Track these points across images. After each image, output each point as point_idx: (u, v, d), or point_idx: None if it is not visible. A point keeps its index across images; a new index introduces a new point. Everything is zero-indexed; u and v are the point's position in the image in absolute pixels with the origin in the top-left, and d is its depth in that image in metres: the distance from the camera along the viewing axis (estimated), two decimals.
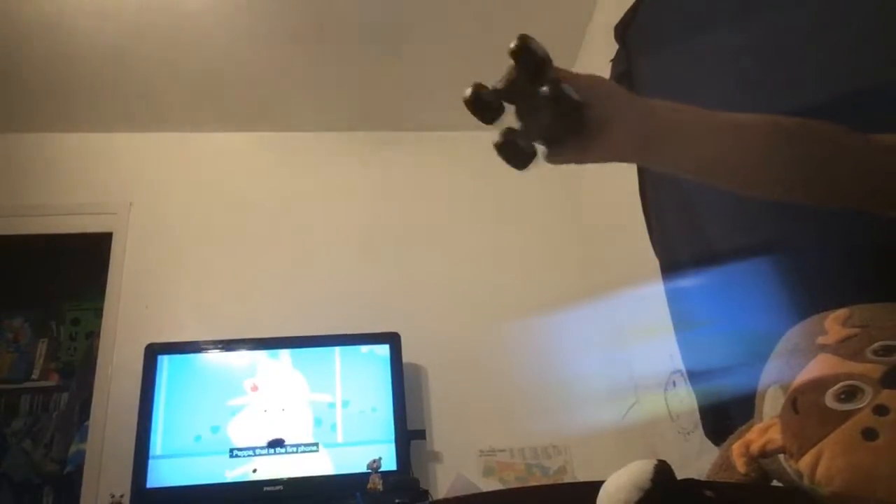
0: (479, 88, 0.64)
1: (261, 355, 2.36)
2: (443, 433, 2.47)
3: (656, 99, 0.67)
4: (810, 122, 0.71)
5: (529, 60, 0.61)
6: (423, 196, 2.90)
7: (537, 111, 0.62)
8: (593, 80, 0.64)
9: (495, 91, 0.64)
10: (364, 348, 2.41)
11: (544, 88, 0.60)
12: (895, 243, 0.87)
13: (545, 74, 0.61)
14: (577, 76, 0.64)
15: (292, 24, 2.42)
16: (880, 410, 0.52)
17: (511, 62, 0.62)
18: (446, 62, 2.66)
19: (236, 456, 2.18)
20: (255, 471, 2.16)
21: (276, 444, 2.21)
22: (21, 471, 2.89)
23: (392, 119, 2.96)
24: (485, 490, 2.09)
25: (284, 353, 2.36)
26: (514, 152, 0.62)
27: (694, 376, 1.74)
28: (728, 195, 1.53)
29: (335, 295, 2.62)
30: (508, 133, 0.62)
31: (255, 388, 2.30)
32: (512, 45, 0.61)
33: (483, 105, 0.64)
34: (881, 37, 1.01)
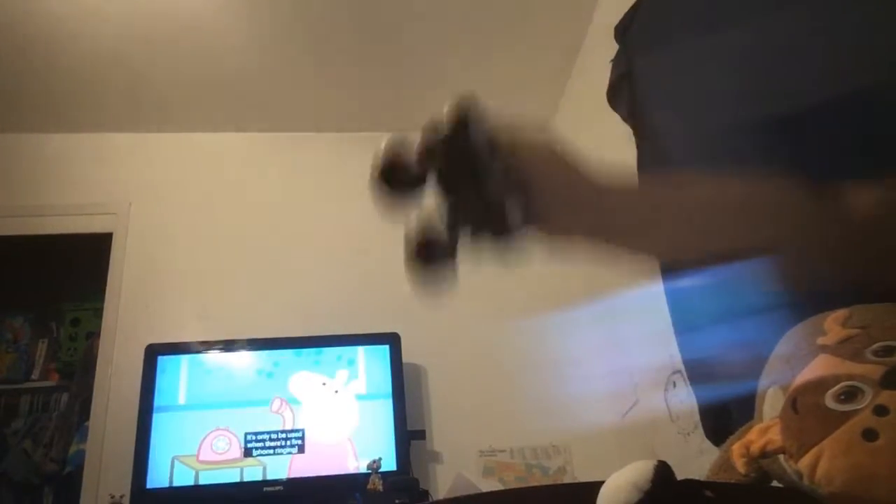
0: (395, 158, 0.48)
1: (277, 353, 2.37)
2: (442, 433, 2.47)
3: (612, 184, 0.57)
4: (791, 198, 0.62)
5: (464, 150, 0.46)
6: None
7: (470, 207, 0.48)
8: (537, 160, 0.52)
9: (420, 161, 0.48)
10: (364, 349, 2.41)
11: (492, 219, 0.46)
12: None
13: (487, 172, 0.47)
14: (520, 149, 0.51)
15: (291, 24, 2.43)
16: (880, 411, 0.52)
17: (442, 134, 0.48)
18: (446, 62, 2.66)
19: (236, 456, 2.18)
20: (258, 472, 2.16)
21: (287, 438, 2.21)
22: (21, 471, 2.89)
23: (392, 119, 2.96)
24: (485, 490, 2.09)
25: (302, 351, 2.37)
26: (432, 260, 0.47)
27: (694, 377, 1.74)
28: None
29: (335, 295, 2.62)
30: (428, 232, 0.47)
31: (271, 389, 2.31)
32: (447, 111, 0.46)
33: (398, 183, 0.48)
34: (885, 36, 1.01)
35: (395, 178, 0.49)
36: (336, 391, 2.33)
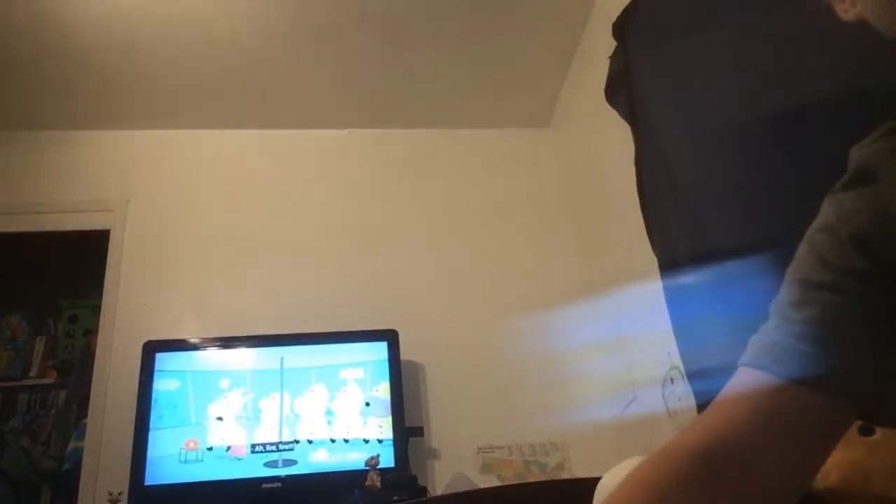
0: None
1: (275, 349, 2.36)
2: (441, 430, 2.47)
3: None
4: None
5: None
6: (421, 193, 2.90)
7: None
8: None
9: None
10: (362, 346, 2.40)
11: None
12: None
13: None
14: None
15: (290, 21, 2.42)
16: None
17: None
18: (444, 59, 2.65)
19: (234, 453, 2.18)
20: (257, 468, 2.16)
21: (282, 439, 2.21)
22: (19, 468, 2.89)
23: (390, 116, 2.95)
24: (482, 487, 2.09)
25: (300, 348, 2.36)
26: None
27: (692, 373, 1.74)
28: (726, 192, 1.53)
29: (333, 292, 2.62)
30: None
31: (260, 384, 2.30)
32: None
33: None
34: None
35: None
36: (334, 389, 2.32)
